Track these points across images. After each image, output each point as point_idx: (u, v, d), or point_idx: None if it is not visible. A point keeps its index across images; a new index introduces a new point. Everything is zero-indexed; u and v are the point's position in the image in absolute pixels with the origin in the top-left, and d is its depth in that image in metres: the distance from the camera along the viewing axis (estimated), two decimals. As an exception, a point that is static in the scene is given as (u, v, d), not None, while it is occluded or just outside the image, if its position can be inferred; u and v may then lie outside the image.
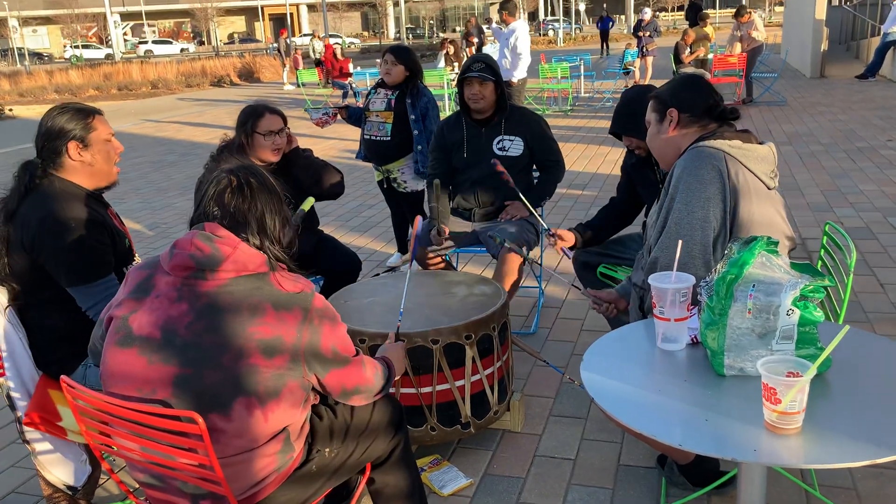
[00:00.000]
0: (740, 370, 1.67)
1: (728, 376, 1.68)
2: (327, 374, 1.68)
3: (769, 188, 2.14)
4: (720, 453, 1.41)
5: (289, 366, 1.60)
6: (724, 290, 1.65)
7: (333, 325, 1.68)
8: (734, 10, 12.39)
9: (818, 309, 1.63)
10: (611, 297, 2.50)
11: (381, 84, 4.58)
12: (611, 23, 26.27)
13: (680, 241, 1.95)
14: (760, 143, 2.18)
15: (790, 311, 1.61)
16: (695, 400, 1.60)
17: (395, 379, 2.01)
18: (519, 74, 8.69)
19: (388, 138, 4.45)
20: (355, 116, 4.66)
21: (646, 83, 14.15)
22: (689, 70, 11.67)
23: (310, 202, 2.97)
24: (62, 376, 1.65)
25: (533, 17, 54.53)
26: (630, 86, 15.44)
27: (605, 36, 25.86)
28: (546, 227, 3.09)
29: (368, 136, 4.55)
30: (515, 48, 8.63)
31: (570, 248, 3.12)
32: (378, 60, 5.25)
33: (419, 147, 4.40)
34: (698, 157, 2.11)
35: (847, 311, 2.20)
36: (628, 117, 2.84)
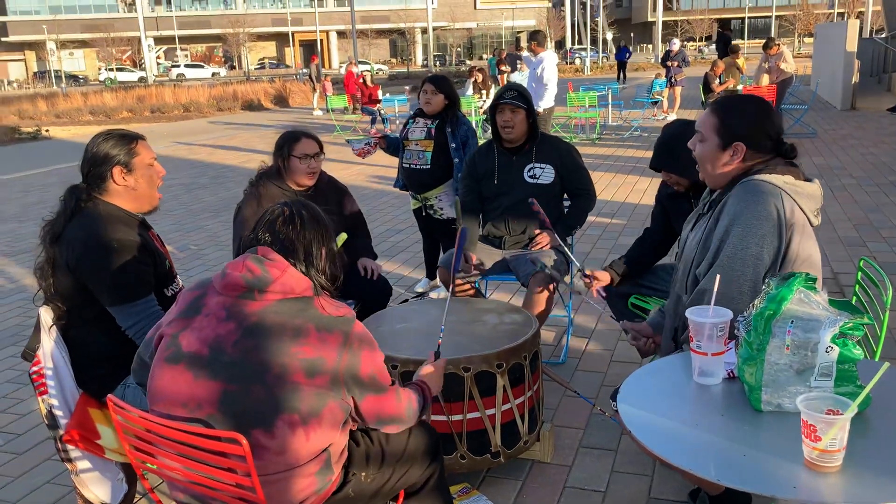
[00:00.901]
0: (777, 406, 1.66)
1: (765, 412, 1.67)
2: (364, 399, 1.73)
3: (812, 225, 2.13)
4: (760, 489, 1.40)
5: (329, 386, 1.65)
6: (762, 326, 1.65)
7: (372, 352, 1.73)
8: (763, 42, 12.37)
9: (857, 346, 1.63)
10: (648, 332, 2.49)
11: (419, 113, 4.63)
12: (628, 54, 26.89)
13: (718, 276, 1.94)
14: (807, 180, 2.16)
15: (829, 349, 1.61)
16: (732, 435, 1.60)
17: (433, 395, 2.04)
18: (545, 104, 8.74)
19: (428, 167, 4.49)
20: (394, 146, 4.70)
21: (675, 113, 14.18)
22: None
23: (342, 238, 3.05)
24: (109, 395, 1.69)
25: (560, 45, 54.87)
26: (657, 114, 15.32)
27: (622, 66, 26.35)
28: (581, 269, 3.05)
29: (408, 165, 4.58)
30: (541, 78, 8.70)
31: (607, 287, 3.08)
32: (406, 87, 5.32)
33: (459, 175, 4.43)
34: (756, 191, 2.07)
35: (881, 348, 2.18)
36: (668, 154, 2.84)
